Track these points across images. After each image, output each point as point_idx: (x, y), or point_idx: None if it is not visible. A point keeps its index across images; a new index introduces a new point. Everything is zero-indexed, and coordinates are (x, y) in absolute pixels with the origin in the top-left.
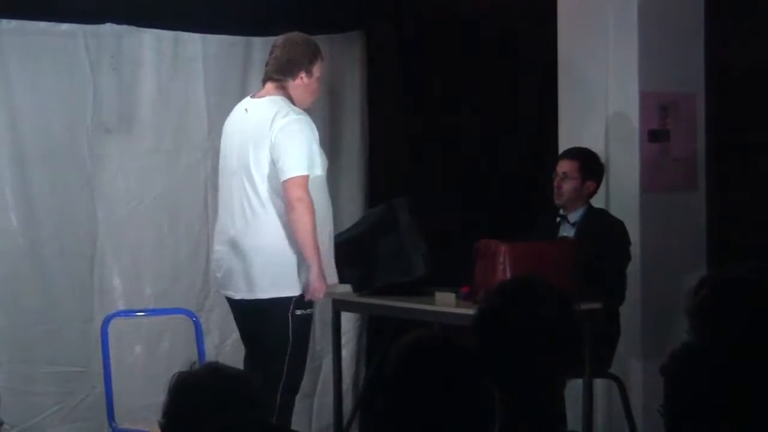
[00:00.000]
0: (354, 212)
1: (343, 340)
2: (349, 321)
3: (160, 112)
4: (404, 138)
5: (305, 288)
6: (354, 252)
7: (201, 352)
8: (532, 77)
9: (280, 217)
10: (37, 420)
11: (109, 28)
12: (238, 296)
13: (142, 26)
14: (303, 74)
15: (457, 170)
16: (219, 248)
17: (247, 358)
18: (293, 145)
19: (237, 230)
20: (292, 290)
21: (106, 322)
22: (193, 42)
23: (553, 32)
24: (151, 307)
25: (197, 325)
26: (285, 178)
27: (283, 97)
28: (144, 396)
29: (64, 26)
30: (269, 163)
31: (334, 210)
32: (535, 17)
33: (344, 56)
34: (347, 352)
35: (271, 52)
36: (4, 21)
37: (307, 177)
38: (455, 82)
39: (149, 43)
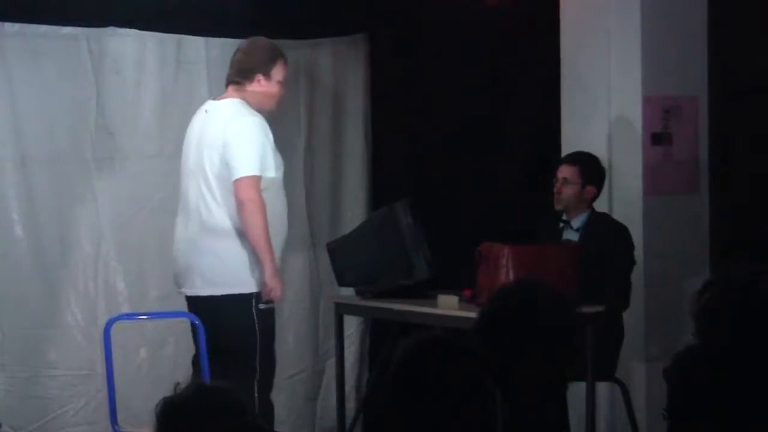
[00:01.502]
0: (357, 215)
1: (346, 343)
2: (351, 324)
3: (162, 115)
4: (407, 140)
5: (262, 288)
6: (356, 255)
7: (204, 355)
8: (534, 80)
9: (234, 215)
10: (41, 423)
11: (111, 31)
12: (191, 293)
13: (145, 29)
14: (260, 77)
15: (460, 173)
16: (177, 246)
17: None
18: (244, 145)
19: (193, 229)
20: (250, 287)
21: (109, 325)
22: (196, 45)
23: (556, 35)
24: (155, 310)
25: (200, 329)
26: (235, 178)
27: (242, 100)
28: (148, 399)
29: (67, 29)
30: (220, 163)
31: (336, 213)
32: (538, 20)
33: (347, 59)
34: (350, 355)
35: (234, 56)
36: (7, 24)
37: (258, 178)
38: (457, 85)
39: (152, 47)
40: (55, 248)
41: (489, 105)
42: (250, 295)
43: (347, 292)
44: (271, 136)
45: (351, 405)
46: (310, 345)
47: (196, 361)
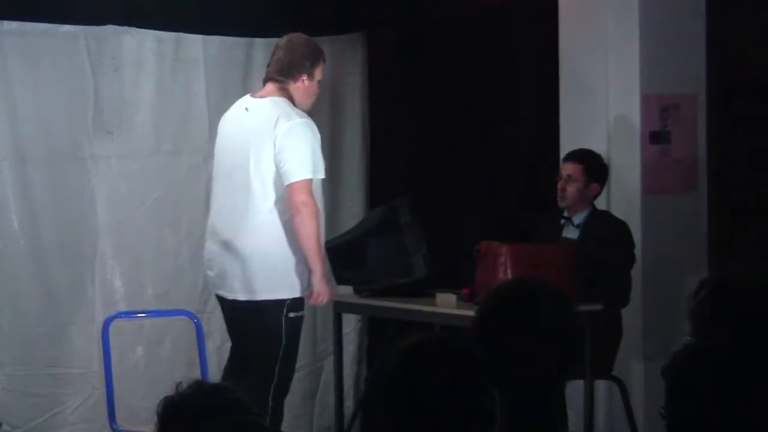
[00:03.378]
0: (355, 213)
1: (344, 341)
2: (350, 322)
3: (160, 113)
4: (405, 139)
5: (309, 292)
6: (355, 253)
7: (202, 353)
8: (533, 79)
9: (276, 218)
10: (39, 422)
11: (109, 29)
12: (231, 297)
13: (143, 27)
14: (304, 77)
15: (458, 171)
16: (212, 248)
17: (235, 356)
18: (298, 148)
19: (231, 230)
20: (287, 292)
21: (107, 323)
22: (194, 43)
23: (555, 34)
24: (152, 308)
25: (198, 327)
26: (290, 182)
27: (286, 99)
28: (146, 397)
29: (65, 28)
30: (271, 165)
31: (335, 211)
32: (536, 18)
33: (345, 58)
34: (348, 354)
35: (274, 53)
36: (5, 23)
37: (311, 181)
38: (456, 84)
39: (150, 45)
40: (53, 247)
41: (488, 104)
42: (284, 301)
43: (345, 291)
44: (319, 136)
45: (349, 403)
46: (308, 343)
47: (225, 376)
